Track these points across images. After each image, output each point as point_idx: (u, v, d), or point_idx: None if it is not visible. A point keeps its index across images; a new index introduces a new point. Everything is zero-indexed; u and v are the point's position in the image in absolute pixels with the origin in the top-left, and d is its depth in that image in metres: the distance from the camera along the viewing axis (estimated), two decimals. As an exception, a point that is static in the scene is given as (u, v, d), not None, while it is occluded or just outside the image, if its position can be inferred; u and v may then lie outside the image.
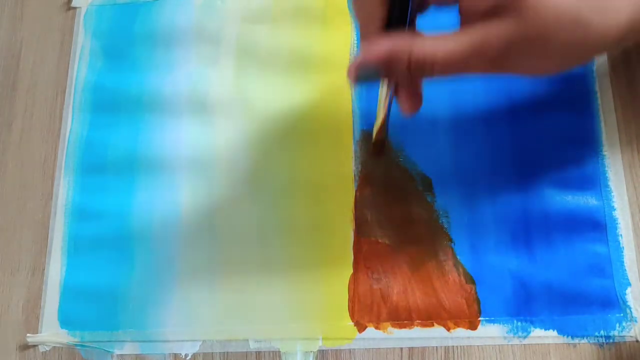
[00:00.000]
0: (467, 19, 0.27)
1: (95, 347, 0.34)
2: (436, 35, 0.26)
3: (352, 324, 0.32)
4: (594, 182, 0.33)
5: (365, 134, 0.35)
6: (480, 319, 0.32)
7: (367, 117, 0.36)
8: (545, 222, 0.32)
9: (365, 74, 0.27)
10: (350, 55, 0.37)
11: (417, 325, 0.32)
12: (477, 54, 0.25)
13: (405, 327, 0.32)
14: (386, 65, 0.26)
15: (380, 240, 0.33)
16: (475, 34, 0.25)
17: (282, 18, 0.39)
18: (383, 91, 0.30)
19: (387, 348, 0.32)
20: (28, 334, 0.35)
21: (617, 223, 0.32)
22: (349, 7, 0.38)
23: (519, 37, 0.25)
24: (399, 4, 0.27)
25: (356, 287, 0.33)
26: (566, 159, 0.33)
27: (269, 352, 0.33)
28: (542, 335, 0.31)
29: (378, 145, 0.34)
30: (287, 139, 0.36)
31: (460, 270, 0.32)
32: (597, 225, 0.32)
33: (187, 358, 0.33)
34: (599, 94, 0.34)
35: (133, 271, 0.35)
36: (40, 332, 0.35)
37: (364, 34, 0.28)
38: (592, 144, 0.33)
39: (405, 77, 0.27)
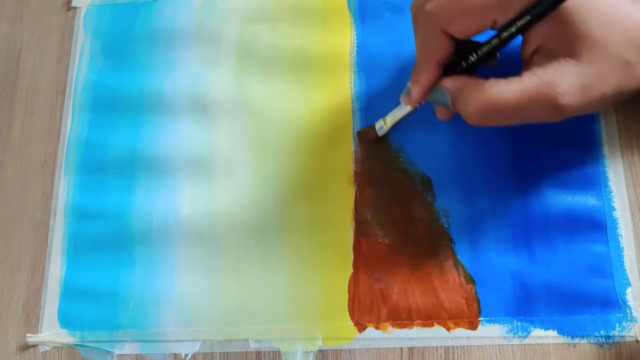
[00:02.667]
0: (526, 66, 0.29)
1: (95, 347, 0.34)
2: (498, 80, 0.28)
3: (352, 324, 0.32)
4: (594, 182, 0.33)
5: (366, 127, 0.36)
6: (480, 319, 0.32)
7: (367, 117, 0.36)
8: (545, 222, 0.32)
9: (438, 97, 0.30)
10: (350, 55, 0.37)
11: (417, 325, 0.32)
12: (541, 98, 0.26)
13: (405, 327, 0.32)
14: (452, 98, 0.29)
15: (380, 240, 0.33)
16: (535, 81, 0.27)
17: (282, 18, 0.39)
18: (407, 108, 0.32)
19: (387, 348, 0.32)
20: (28, 334, 0.35)
21: (617, 223, 0.32)
22: (348, 6, 0.38)
23: (578, 83, 0.26)
24: (467, 52, 0.29)
25: (356, 287, 0.33)
26: (566, 159, 0.33)
27: (269, 352, 0.33)
28: (542, 335, 0.31)
29: (372, 140, 0.35)
30: (287, 139, 0.36)
31: (460, 270, 0.32)
32: (597, 225, 0.32)
33: (187, 358, 0.33)
34: (599, 94, 0.34)
35: (133, 271, 0.35)
36: (40, 332, 0.35)
37: (422, 65, 0.30)
38: (592, 144, 0.33)
39: (468, 112, 0.28)
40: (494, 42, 0.28)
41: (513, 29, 0.28)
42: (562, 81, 0.26)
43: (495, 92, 0.27)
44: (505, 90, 0.27)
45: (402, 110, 0.32)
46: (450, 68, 0.30)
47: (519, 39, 0.29)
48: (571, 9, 0.26)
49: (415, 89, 0.30)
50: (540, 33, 0.28)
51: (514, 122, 0.28)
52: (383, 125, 0.34)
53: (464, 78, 0.29)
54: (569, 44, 0.27)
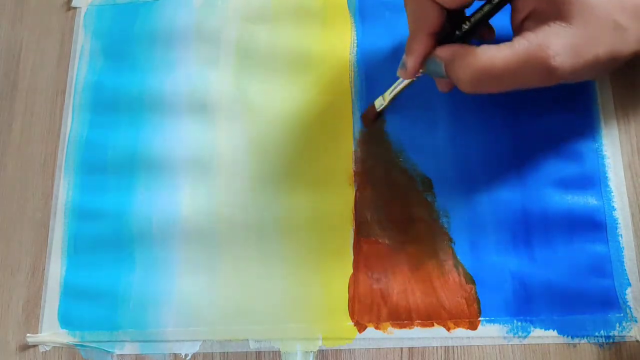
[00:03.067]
0: (517, 33, 0.29)
1: (95, 347, 0.34)
2: (490, 47, 0.28)
3: (352, 324, 0.32)
4: (594, 182, 0.33)
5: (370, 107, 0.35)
6: (480, 319, 0.32)
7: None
8: (545, 222, 0.32)
9: (430, 68, 0.30)
10: (350, 54, 0.37)
11: (417, 325, 0.32)
12: (533, 60, 0.27)
13: (405, 327, 0.32)
14: (446, 67, 0.29)
15: (380, 240, 0.33)
16: (526, 44, 0.27)
17: (281, 18, 0.39)
18: (405, 82, 0.32)
19: (387, 348, 0.32)
20: (28, 334, 0.35)
21: (617, 223, 0.32)
22: (348, 6, 0.38)
23: (568, 45, 0.27)
24: (457, 20, 0.30)
25: (356, 287, 0.33)
26: (566, 159, 0.33)
27: (269, 352, 0.33)
28: (542, 335, 0.31)
29: (373, 119, 0.35)
30: (287, 139, 0.36)
31: (460, 270, 0.32)
32: (597, 225, 0.32)
33: (187, 358, 0.33)
34: (598, 94, 0.34)
35: (133, 271, 0.35)
36: (40, 332, 0.35)
37: (414, 37, 0.30)
38: (592, 144, 0.33)
39: (461, 79, 0.29)
40: (486, 8, 0.29)
41: None
42: (553, 43, 0.27)
43: (486, 57, 0.28)
44: (496, 54, 0.28)
45: (400, 84, 0.33)
46: (444, 39, 0.30)
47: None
48: None
49: (410, 60, 0.30)
50: (528, 0, 0.28)
51: (507, 88, 0.28)
52: (382, 101, 0.34)
53: (456, 46, 0.29)
54: (558, 7, 0.27)
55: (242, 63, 0.38)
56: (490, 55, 0.28)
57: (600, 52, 0.27)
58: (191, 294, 0.34)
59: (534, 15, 0.28)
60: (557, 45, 0.27)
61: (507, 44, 0.28)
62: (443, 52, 0.29)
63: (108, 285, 0.35)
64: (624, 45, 0.27)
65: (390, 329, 0.32)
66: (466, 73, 0.28)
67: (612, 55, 0.27)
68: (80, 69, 0.40)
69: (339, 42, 0.37)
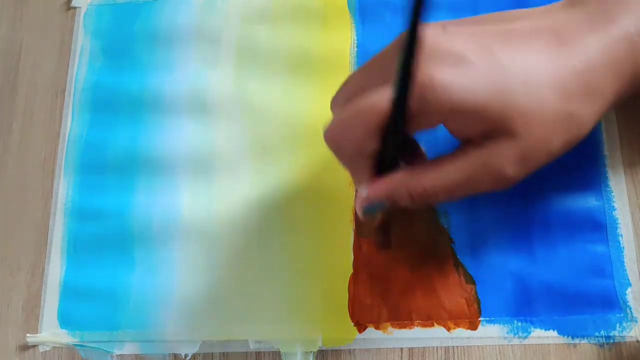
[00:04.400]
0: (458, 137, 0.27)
1: (95, 347, 0.34)
2: (432, 165, 0.27)
3: (352, 324, 0.32)
4: (594, 182, 0.33)
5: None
6: (480, 319, 0.32)
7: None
8: (545, 222, 0.32)
9: (371, 209, 0.28)
10: (350, 55, 0.37)
11: (417, 326, 0.32)
12: (476, 180, 0.26)
13: (405, 327, 0.32)
14: (389, 201, 0.27)
15: (380, 240, 0.33)
16: (471, 162, 0.26)
17: (282, 18, 0.39)
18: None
19: (387, 348, 0.32)
20: (28, 334, 0.35)
21: (617, 223, 0.32)
22: (349, 6, 0.38)
23: (518, 156, 0.25)
24: (389, 152, 0.26)
25: (356, 287, 0.33)
26: (566, 159, 0.33)
27: (269, 352, 0.33)
28: (542, 335, 0.31)
29: (382, 241, 0.33)
30: (287, 139, 0.36)
31: (460, 270, 0.32)
32: (597, 225, 0.32)
33: (187, 358, 0.33)
34: (599, 94, 0.34)
35: (133, 271, 0.35)
36: (40, 332, 0.35)
37: (358, 180, 0.28)
38: (592, 143, 0.33)
39: (409, 204, 0.27)
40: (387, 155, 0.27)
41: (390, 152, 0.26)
42: (501, 158, 0.25)
43: (427, 182, 0.26)
44: (437, 178, 0.26)
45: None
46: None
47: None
48: (485, 101, 0.24)
49: (373, 195, 0.27)
50: (464, 130, 0.26)
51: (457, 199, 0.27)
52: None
53: (388, 182, 0.27)
54: (499, 125, 0.25)
55: (242, 63, 0.38)
56: (431, 182, 0.26)
57: (553, 148, 0.26)
58: (191, 293, 0.34)
59: (475, 138, 0.26)
60: (507, 159, 0.25)
61: (449, 163, 0.26)
62: (380, 191, 0.27)
63: (108, 285, 0.35)
64: (580, 129, 0.26)
65: (390, 329, 0.32)
66: (409, 203, 0.27)
67: (569, 142, 0.26)
68: (80, 69, 0.40)
69: (339, 42, 0.37)
